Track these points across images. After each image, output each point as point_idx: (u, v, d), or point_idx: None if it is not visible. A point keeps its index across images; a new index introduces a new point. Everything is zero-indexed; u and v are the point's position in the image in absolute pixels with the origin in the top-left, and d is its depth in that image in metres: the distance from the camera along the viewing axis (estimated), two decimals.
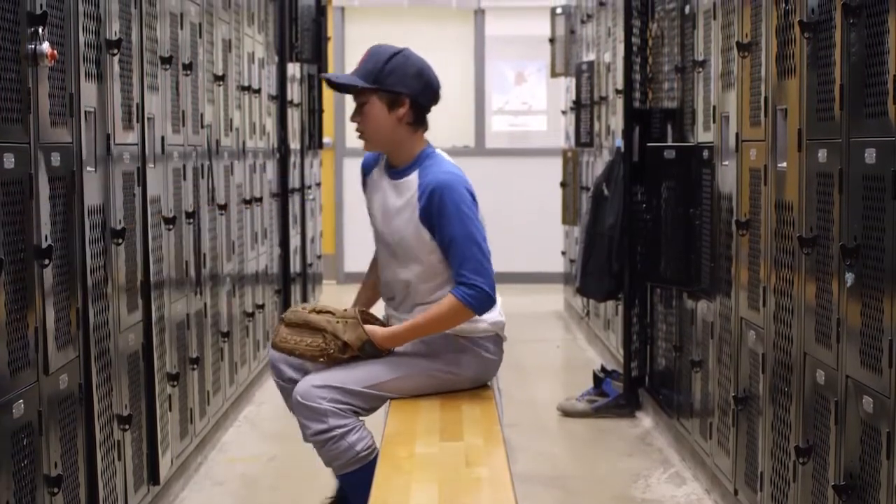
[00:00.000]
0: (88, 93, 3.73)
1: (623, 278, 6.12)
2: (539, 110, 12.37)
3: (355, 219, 11.75)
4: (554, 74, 10.30)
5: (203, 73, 5.41)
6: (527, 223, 11.55)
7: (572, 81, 9.12)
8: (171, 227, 4.72)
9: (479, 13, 11.96)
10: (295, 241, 8.48)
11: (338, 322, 3.90)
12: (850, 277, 3.21)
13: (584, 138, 8.35)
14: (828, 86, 3.41)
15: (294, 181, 8.39)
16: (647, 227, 5.53)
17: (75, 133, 3.59)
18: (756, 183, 4.17)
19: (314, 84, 9.36)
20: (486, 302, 3.88)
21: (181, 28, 4.99)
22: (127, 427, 4.05)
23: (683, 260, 5.18)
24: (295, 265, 8.45)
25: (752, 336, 4.21)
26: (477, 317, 3.94)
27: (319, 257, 9.95)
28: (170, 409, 4.71)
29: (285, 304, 7.94)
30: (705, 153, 4.95)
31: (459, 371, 3.98)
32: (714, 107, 4.79)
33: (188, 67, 5.05)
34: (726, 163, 4.62)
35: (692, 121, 5.22)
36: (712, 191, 4.85)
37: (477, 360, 4.01)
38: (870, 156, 3.09)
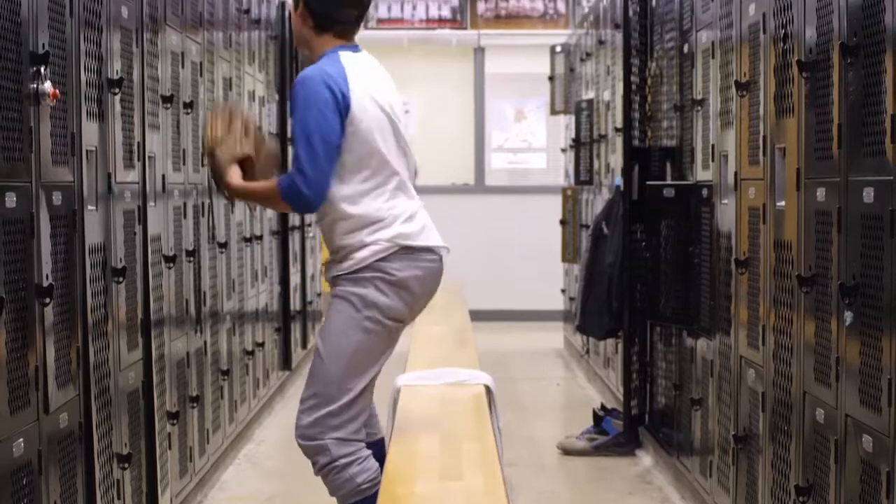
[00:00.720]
0: (90, 132, 3.75)
1: (623, 316, 6.12)
2: (539, 148, 12.40)
3: None
4: (553, 112, 10.33)
5: (204, 112, 5.42)
6: (526, 261, 11.55)
7: (572, 119, 9.15)
8: (171, 265, 4.73)
9: (479, 51, 12.01)
10: (295, 278, 8.48)
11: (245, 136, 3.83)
12: (848, 316, 3.22)
13: (584, 176, 8.37)
14: (826, 125, 3.43)
15: (294, 219, 8.40)
16: (646, 265, 5.54)
17: (76, 172, 3.61)
18: (755, 221, 4.18)
19: None
20: (297, 200, 3.67)
21: (182, 67, 5.01)
22: (126, 466, 4.04)
23: (683, 298, 5.19)
24: (295, 303, 8.45)
25: (752, 374, 4.21)
26: (345, 244, 3.74)
27: (319, 294, 9.94)
28: (169, 448, 4.71)
29: (285, 341, 7.94)
30: (704, 191, 4.97)
31: (379, 307, 3.72)
32: (713, 145, 4.81)
33: (189, 106, 5.07)
34: (725, 201, 4.63)
35: (691, 159, 5.24)
36: (711, 229, 4.86)
37: (389, 287, 3.73)
38: (868, 195, 3.10)
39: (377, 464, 3.83)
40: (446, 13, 11.88)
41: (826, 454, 3.43)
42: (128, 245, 4.17)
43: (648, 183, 5.60)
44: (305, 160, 3.64)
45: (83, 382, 3.65)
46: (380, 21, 11.81)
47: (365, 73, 3.82)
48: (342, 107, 3.68)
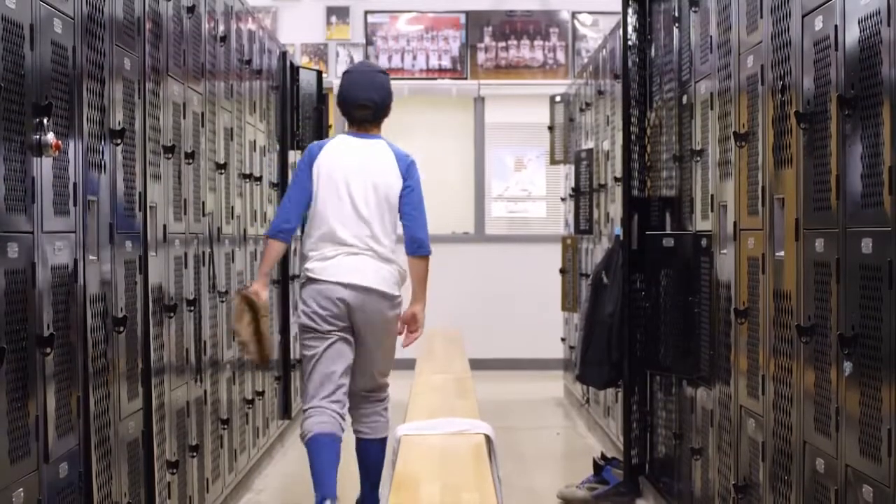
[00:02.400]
0: (92, 182, 3.77)
1: (623, 366, 6.12)
2: (538, 196, 12.43)
3: None
4: (553, 162, 10.38)
5: (205, 162, 5.45)
6: (526, 309, 11.56)
7: (571, 169, 9.19)
8: (171, 314, 4.74)
9: (479, 100, 12.07)
10: (295, 328, 8.47)
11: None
12: (848, 366, 3.23)
13: (584, 225, 8.40)
14: (824, 176, 3.45)
15: (294, 268, 8.41)
16: (646, 314, 5.55)
17: (78, 222, 3.63)
18: (754, 271, 4.20)
19: None
20: (270, 231, 5.31)
21: (184, 117, 5.04)
22: None
23: (683, 347, 5.20)
24: (295, 352, 8.44)
25: (752, 424, 4.22)
26: None
27: None
28: (169, 497, 4.70)
29: (285, 390, 7.94)
30: (704, 241, 4.98)
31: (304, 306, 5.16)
32: (712, 195, 4.83)
33: (190, 156, 5.10)
34: (724, 251, 4.65)
35: (690, 209, 5.26)
36: (711, 279, 4.88)
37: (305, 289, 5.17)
38: (866, 245, 3.11)
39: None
40: (447, 63, 11.95)
41: None
42: (128, 294, 4.18)
43: (648, 233, 5.62)
44: (280, 209, 5.38)
45: (83, 432, 3.65)
46: None
47: (342, 149, 5.24)
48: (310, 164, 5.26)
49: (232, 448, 6.05)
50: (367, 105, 5.24)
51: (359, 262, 5.06)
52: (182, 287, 4.99)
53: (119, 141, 4.02)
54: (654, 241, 5.42)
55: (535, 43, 11.96)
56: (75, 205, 3.60)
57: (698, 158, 5.09)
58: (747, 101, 4.28)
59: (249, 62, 6.67)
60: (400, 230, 5.23)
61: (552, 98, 10.23)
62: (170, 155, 4.76)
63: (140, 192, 4.35)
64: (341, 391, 5.06)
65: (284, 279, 7.98)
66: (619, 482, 6.26)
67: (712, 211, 4.84)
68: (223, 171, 5.82)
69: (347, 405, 5.13)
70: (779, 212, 3.92)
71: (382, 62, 11.81)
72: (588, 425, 8.54)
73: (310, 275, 5.09)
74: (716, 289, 4.79)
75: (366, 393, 5.25)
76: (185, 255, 5.05)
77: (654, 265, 5.45)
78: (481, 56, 11.96)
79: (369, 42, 11.85)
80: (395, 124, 12.03)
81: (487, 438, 4.76)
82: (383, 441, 5.25)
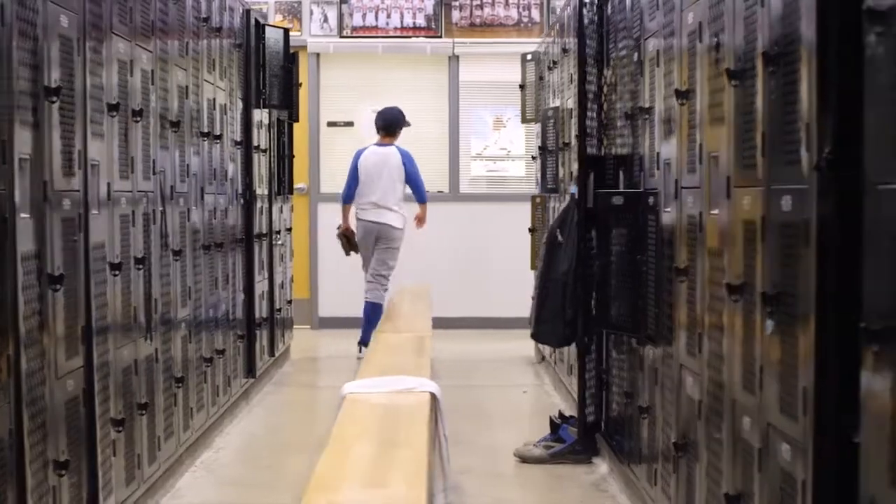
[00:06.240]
0: (23, 140, 3.74)
1: (577, 324, 6.12)
2: (518, 155, 12.38)
3: (330, 264, 11.77)
4: (524, 120, 10.35)
5: (155, 120, 5.43)
6: (500, 268, 11.55)
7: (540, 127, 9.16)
8: (116, 272, 4.73)
9: (454, 59, 12.00)
10: (262, 286, 8.48)
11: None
12: (769, 325, 3.23)
13: (550, 184, 8.38)
14: (752, 133, 3.44)
15: (261, 226, 8.40)
16: (598, 273, 5.55)
17: (8, 180, 3.61)
18: (693, 230, 4.19)
19: (284, 130, 9.40)
20: (343, 199, 9.96)
21: (131, 75, 5.01)
22: (63, 472, 4.04)
23: (631, 306, 5.20)
24: (262, 310, 8.45)
25: (691, 382, 4.22)
26: None
27: (290, 302, 9.94)
28: (114, 455, 4.70)
29: (249, 349, 7.93)
30: (651, 199, 4.98)
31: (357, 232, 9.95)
32: (658, 153, 4.82)
33: (138, 114, 5.07)
34: (668, 209, 4.64)
35: (640, 167, 5.24)
36: (657, 237, 4.87)
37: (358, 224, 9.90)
38: (786, 203, 3.11)
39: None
40: (421, 21, 11.88)
41: (751, 462, 3.44)
42: (67, 253, 4.17)
43: (598, 191, 5.61)
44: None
45: (14, 390, 3.65)
46: (354, 30, 11.82)
47: (370, 154, 9.82)
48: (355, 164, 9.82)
49: (188, 406, 6.05)
50: (379, 125, 9.94)
51: (380, 212, 9.71)
52: (129, 245, 4.97)
53: (55, 99, 3.99)
54: (605, 199, 5.41)
55: (510, 1, 11.89)
56: (4, 163, 3.59)
57: (647, 116, 5.08)
58: (688, 58, 4.26)
59: (207, 20, 6.63)
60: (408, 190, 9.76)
61: (523, 56, 10.18)
62: (114, 113, 4.73)
63: (80, 150, 4.33)
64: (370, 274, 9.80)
65: (248, 239, 7.96)
66: (575, 441, 6.27)
67: (658, 169, 4.83)
68: (177, 129, 5.79)
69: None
70: (714, 170, 3.91)
71: (356, 20, 11.75)
72: (554, 384, 8.55)
73: (359, 217, 9.80)
74: (661, 247, 4.79)
75: (371, 277, 9.80)
76: (133, 213, 5.03)
77: (604, 224, 5.44)
78: (456, 14, 11.89)
79: (343, 0, 11.78)
80: (369, 83, 12.09)
81: (433, 396, 4.76)
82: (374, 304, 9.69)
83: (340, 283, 11.64)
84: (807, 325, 2.95)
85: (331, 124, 12.00)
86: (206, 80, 6.60)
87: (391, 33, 11.85)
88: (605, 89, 6.15)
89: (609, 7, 6.05)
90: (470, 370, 9.60)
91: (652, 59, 4.96)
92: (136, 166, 5.08)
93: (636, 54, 5.34)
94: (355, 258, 10.02)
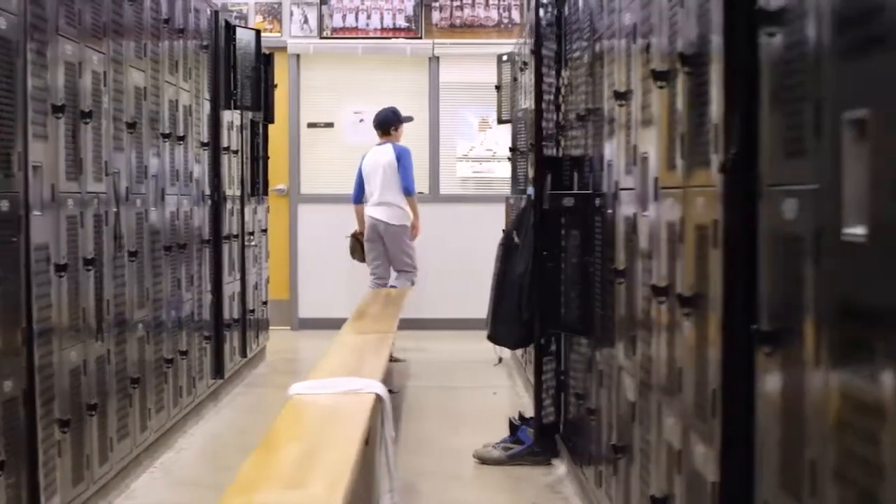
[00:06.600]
0: None
1: (533, 326, 6.11)
2: (504, 157, 12.34)
3: (310, 264, 11.78)
4: (500, 121, 10.35)
5: (108, 121, 5.43)
6: (482, 270, 11.47)
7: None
8: (62, 274, 4.73)
9: (434, 60, 12.00)
10: (232, 287, 8.48)
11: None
12: (686, 327, 3.22)
13: (521, 185, 8.38)
14: (674, 134, 3.43)
15: (231, 228, 8.40)
16: (549, 274, 5.54)
17: None
18: (629, 231, 4.19)
19: (258, 131, 9.39)
20: (353, 199, 10.32)
21: (80, 77, 5.01)
22: (0, 473, 4.04)
23: (581, 308, 5.20)
24: (232, 311, 8.45)
25: (628, 383, 4.22)
26: None
27: (265, 303, 9.93)
28: (59, 455, 4.70)
29: (217, 350, 7.93)
30: (598, 201, 4.97)
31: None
32: (602, 155, 4.82)
33: (88, 115, 5.07)
34: (610, 211, 4.64)
35: (590, 169, 5.24)
36: (603, 239, 4.87)
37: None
38: (700, 205, 3.11)
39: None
40: (401, 22, 11.88)
41: (673, 465, 3.44)
42: (6, 254, 4.17)
43: (550, 192, 5.60)
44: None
45: None
46: (334, 31, 11.82)
47: (370, 154, 10.19)
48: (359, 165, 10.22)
49: (145, 407, 6.05)
50: (374, 125, 10.29)
51: (380, 208, 10.10)
52: (77, 247, 4.97)
53: None
54: (557, 200, 5.41)
55: (490, 2, 11.89)
56: None
57: (596, 118, 5.07)
58: (625, 59, 4.26)
59: (168, 21, 6.63)
60: None
61: (499, 57, 10.18)
62: (60, 115, 4.73)
63: (20, 152, 4.33)
64: (379, 269, 10.29)
65: (217, 239, 7.96)
66: (533, 442, 6.27)
67: (602, 170, 4.83)
68: (133, 130, 5.79)
69: (388, 277, 10.33)
70: (645, 171, 3.91)
71: (336, 21, 11.76)
72: (525, 385, 8.54)
73: (365, 213, 10.17)
74: (605, 249, 4.79)
75: (396, 271, 10.30)
76: (81, 214, 5.03)
77: (556, 225, 5.44)
78: (436, 15, 11.89)
79: (323, 2, 11.79)
80: (349, 84, 12.07)
81: (378, 398, 4.75)
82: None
83: (321, 283, 11.64)
84: (715, 328, 2.95)
85: (311, 125, 12.00)
86: (167, 82, 6.60)
87: (371, 34, 11.85)
88: (562, 90, 6.15)
89: (566, 8, 6.05)
90: (444, 371, 9.60)
91: (600, 60, 4.95)
92: (85, 168, 5.08)
93: (587, 55, 5.34)
94: (351, 262, 10.57)
